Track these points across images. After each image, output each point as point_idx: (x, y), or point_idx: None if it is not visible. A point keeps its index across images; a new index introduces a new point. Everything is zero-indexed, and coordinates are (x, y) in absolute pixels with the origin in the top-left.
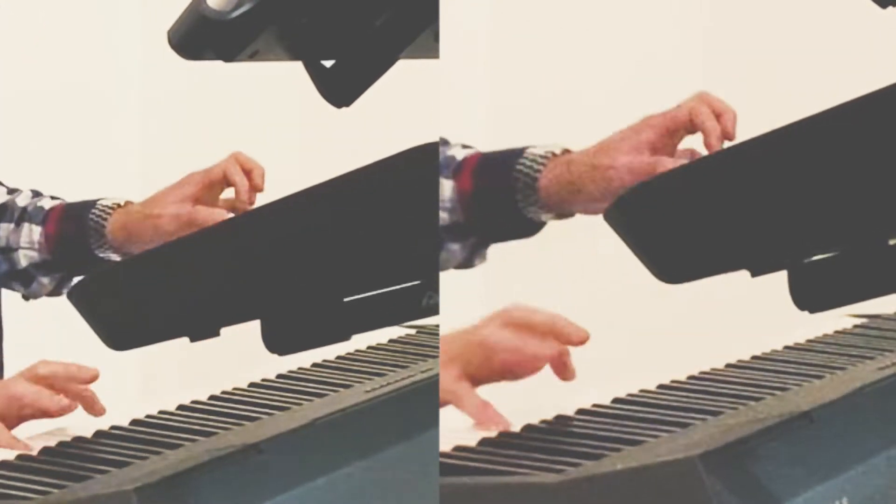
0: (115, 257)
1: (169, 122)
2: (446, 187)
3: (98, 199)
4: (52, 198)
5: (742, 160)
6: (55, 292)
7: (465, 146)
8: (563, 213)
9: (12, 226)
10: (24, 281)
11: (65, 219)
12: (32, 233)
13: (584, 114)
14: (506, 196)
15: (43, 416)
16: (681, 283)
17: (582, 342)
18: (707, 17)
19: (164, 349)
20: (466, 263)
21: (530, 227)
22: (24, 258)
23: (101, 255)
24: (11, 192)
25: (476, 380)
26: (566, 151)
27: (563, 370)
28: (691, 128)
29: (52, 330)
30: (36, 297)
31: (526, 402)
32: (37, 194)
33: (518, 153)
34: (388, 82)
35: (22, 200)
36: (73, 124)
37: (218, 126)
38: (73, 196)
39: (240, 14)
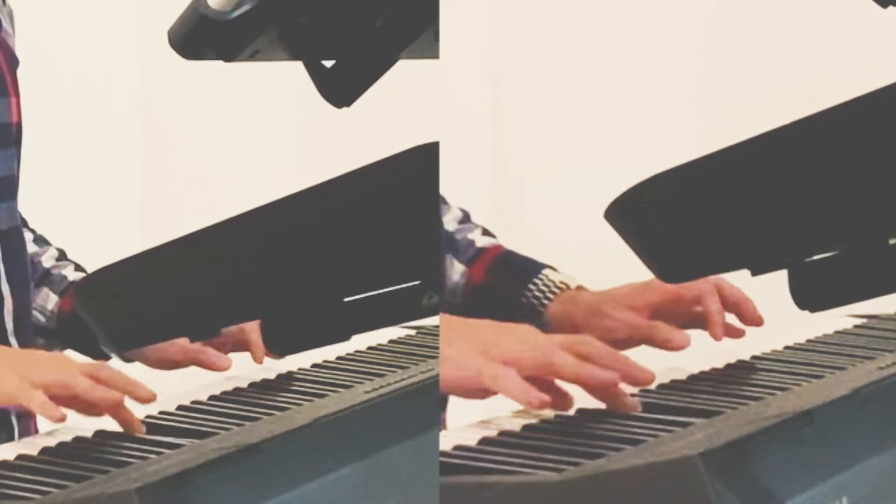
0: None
1: (169, 122)
2: (456, 270)
3: None
4: (76, 268)
5: (742, 159)
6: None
7: (484, 232)
8: None
9: (32, 284)
10: None
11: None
12: (48, 300)
13: (583, 113)
14: (510, 306)
15: (86, 410)
16: (681, 283)
17: (648, 383)
18: (706, 18)
19: None
20: None
21: None
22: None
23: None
24: (38, 241)
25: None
26: (580, 288)
27: (615, 400)
28: (697, 306)
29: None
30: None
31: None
32: (62, 256)
33: (535, 270)
34: (388, 82)
35: (47, 260)
36: (73, 124)
37: (218, 126)
38: (71, 198)
39: (240, 14)
